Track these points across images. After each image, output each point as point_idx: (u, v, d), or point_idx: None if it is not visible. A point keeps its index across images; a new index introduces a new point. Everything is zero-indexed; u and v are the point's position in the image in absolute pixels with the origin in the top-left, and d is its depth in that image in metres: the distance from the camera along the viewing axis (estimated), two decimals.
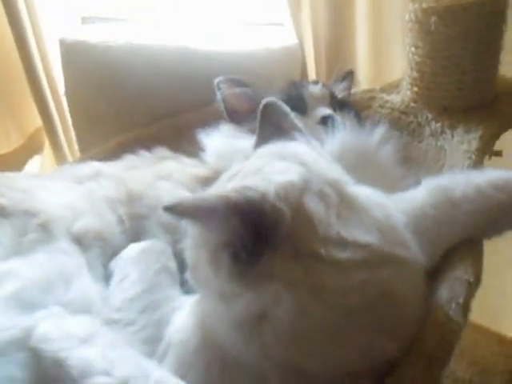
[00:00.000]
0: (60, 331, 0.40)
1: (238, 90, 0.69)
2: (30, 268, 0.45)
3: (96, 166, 0.64)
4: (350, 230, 0.38)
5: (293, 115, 0.49)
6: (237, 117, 0.70)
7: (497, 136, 0.62)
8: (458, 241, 0.46)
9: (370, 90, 0.79)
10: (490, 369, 1.02)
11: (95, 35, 0.94)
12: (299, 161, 0.42)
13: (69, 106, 1.00)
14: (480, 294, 0.43)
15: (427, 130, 0.67)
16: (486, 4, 0.61)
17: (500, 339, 1.07)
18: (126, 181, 0.60)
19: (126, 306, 0.44)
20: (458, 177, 0.49)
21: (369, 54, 1.00)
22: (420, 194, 0.48)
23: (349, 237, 0.37)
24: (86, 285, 0.46)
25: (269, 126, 0.49)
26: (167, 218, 0.53)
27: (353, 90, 0.79)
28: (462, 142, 0.61)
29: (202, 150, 0.67)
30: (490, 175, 0.48)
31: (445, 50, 0.64)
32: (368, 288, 0.36)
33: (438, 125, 0.66)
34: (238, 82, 0.71)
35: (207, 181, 0.54)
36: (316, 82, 0.70)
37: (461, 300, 0.41)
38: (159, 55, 0.87)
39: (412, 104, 0.71)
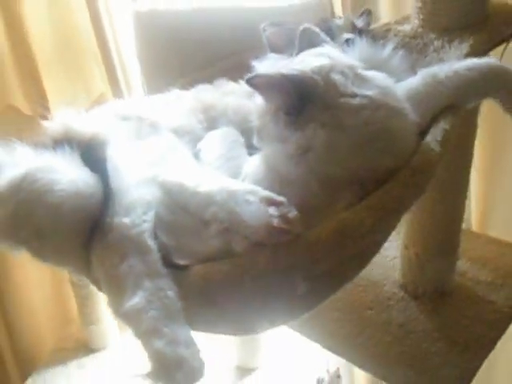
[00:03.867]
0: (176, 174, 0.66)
1: (277, 28, 0.93)
2: (150, 143, 0.72)
3: (177, 92, 0.90)
4: (359, 89, 0.62)
5: (323, 35, 0.73)
6: (278, 50, 0.94)
7: (487, 45, 0.83)
8: (443, 107, 0.69)
9: (386, 24, 1.01)
10: None
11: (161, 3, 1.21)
12: (328, 55, 0.66)
13: (141, 65, 1.27)
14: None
15: (431, 48, 0.89)
16: None
17: None
18: (201, 97, 0.86)
19: (213, 161, 0.70)
20: (444, 65, 0.72)
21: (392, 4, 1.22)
22: (415, 79, 0.71)
23: (357, 92, 0.62)
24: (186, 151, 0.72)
25: (306, 45, 0.73)
26: (234, 117, 0.80)
27: (372, 26, 1.01)
28: (456, 50, 0.83)
29: None
30: (466, 61, 0.70)
31: None
32: (370, 123, 0.60)
33: (440, 41, 0.87)
34: (278, 23, 0.95)
35: None
36: (340, 18, 0.93)
37: (439, 138, 0.63)
38: (214, 14, 1.12)
39: (419, 29, 0.92)
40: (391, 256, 1.25)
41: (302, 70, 0.62)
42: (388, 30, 0.99)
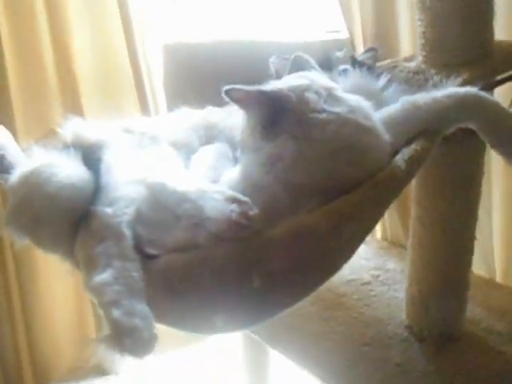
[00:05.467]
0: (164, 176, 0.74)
1: (285, 61, 1.02)
2: (147, 152, 0.82)
3: (187, 110, 1.01)
4: (329, 107, 0.69)
5: (313, 62, 0.82)
6: None
7: (482, 80, 0.87)
8: (420, 131, 0.74)
9: (394, 61, 1.08)
10: None
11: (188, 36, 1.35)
12: (308, 78, 0.74)
13: (165, 93, 1.40)
14: None
15: (430, 83, 0.95)
16: None
17: None
18: (207, 116, 0.96)
19: (201, 170, 0.78)
20: (427, 94, 0.77)
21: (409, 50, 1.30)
22: (396, 104, 0.77)
23: (327, 108, 0.68)
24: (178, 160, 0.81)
25: (296, 70, 0.81)
26: (229, 135, 0.88)
27: (381, 63, 1.09)
28: (451, 85, 0.88)
29: None
30: (447, 90, 0.76)
31: (440, 20, 0.92)
32: (336, 137, 0.67)
33: (438, 77, 0.93)
34: (286, 57, 1.04)
35: None
36: (341, 51, 1.02)
37: (406, 157, 0.69)
38: (235, 47, 1.25)
39: (422, 65, 0.99)
40: (401, 297, 1.26)
41: (280, 87, 0.71)
42: (395, 67, 1.06)
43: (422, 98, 0.76)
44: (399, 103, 0.78)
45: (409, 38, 1.33)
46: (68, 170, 0.71)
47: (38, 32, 1.41)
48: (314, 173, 0.66)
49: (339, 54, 1.00)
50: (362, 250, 1.54)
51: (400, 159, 0.68)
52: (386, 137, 0.71)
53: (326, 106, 0.69)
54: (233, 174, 0.74)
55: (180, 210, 0.66)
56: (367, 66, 0.98)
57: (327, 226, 0.62)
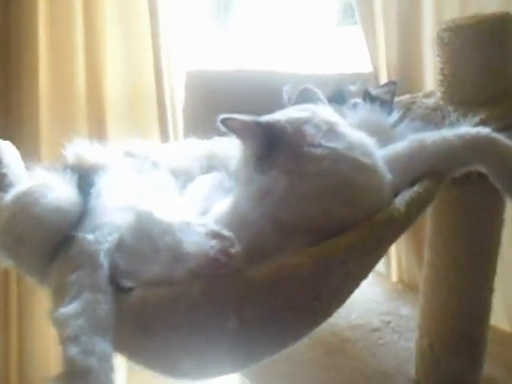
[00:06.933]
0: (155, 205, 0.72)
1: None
2: (145, 178, 0.80)
3: (195, 140, 1.00)
4: (326, 142, 0.65)
5: (321, 95, 0.79)
6: None
7: (499, 121, 0.83)
8: (426, 171, 0.69)
9: (413, 97, 1.05)
10: None
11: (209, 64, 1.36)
12: (311, 111, 0.71)
13: (184, 118, 1.41)
14: None
15: (447, 120, 0.90)
16: (492, 20, 0.86)
17: None
18: (211, 146, 0.94)
19: (194, 199, 0.76)
20: (436, 132, 0.73)
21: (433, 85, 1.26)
22: (403, 142, 0.73)
23: (324, 144, 0.65)
24: (172, 189, 0.79)
25: (302, 101, 0.78)
26: (228, 164, 0.86)
27: (399, 98, 1.05)
28: (467, 124, 0.84)
29: None
30: (457, 129, 0.71)
31: (459, 57, 0.89)
32: (331, 173, 0.63)
33: (455, 115, 0.89)
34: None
35: None
36: (355, 84, 0.99)
37: (407, 198, 0.64)
38: (254, 76, 1.24)
39: (440, 102, 0.95)
40: (412, 348, 1.18)
41: (277, 118, 0.68)
42: (413, 102, 1.02)
43: (431, 136, 0.72)
44: (406, 141, 0.74)
45: (433, 73, 1.29)
46: (58, 192, 0.70)
47: (74, 61, 1.46)
48: (304, 211, 0.63)
49: (353, 87, 0.97)
50: (374, 291, 1.46)
51: (400, 201, 0.64)
52: (388, 176, 0.67)
53: (323, 141, 0.66)
54: (223, 205, 0.71)
55: (161, 242, 0.64)
56: (380, 101, 0.95)
57: (313, 270, 0.58)
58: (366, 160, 0.65)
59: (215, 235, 0.60)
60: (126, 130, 1.56)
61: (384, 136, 0.82)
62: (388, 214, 0.63)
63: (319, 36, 1.68)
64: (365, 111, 0.85)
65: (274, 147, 0.66)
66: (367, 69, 1.36)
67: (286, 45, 1.68)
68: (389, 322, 1.31)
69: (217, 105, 1.25)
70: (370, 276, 1.55)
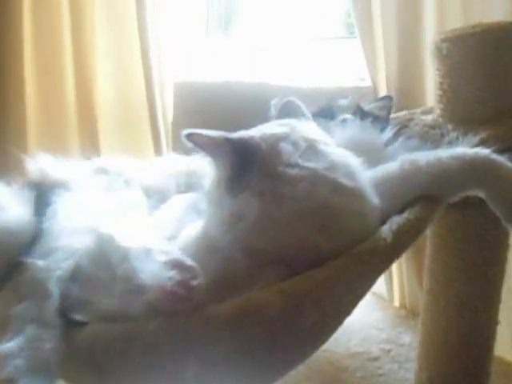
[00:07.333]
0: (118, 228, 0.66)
1: None
2: (115, 197, 0.74)
3: (175, 156, 0.94)
4: (304, 161, 0.59)
5: (305, 109, 0.72)
6: None
7: (501, 142, 0.76)
8: (419, 196, 0.63)
9: (411, 113, 0.98)
10: None
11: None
12: (289, 126, 0.65)
13: (172, 130, 1.36)
14: None
15: (446, 139, 0.83)
16: (495, 30, 0.79)
17: None
18: (191, 163, 0.88)
19: (165, 221, 0.69)
20: (430, 152, 0.66)
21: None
22: (395, 163, 0.66)
23: (301, 163, 0.58)
24: (143, 210, 0.73)
25: (284, 116, 0.72)
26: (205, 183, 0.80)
27: (397, 114, 0.99)
28: (467, 144, 0.77)
29: None
30: (453, 150, 0.64)
31: (459, 70, 0.82)
32: (308, 197, 0.56)
33: (455, 134, 0.82)
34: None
35: None
36: (346, 99, 0.92)
37: (394, 227, 0.57)
38: (241, 88, 1.18)
39: (439, 119, 0.88)
40: (412, 379, 1.10)
41: (251, 134, 0.61)
42: (411, 119, 0.96)
43: (425, 157, 0.65)
44: (398, 161, 0.67)
45: (435, 88, 1.22)
46: (9, 213, 0.65)
47: (62, 70, 1.42)
48: (278, 238, 0.56)
49: (344, 101, 0.90)
50: (375, 317, 1.39)
51: (387, 230, 0.57)
52: (375, 201, 0.60)
53: (300, 160, 0.59)
54: (193, 229, 0.65)
55: (120, 270, 0.57)
56: (373, 117, 0.88)
57: (283, 309, 0.51)
58: (348, 182, 0.59)
59: (175, 265, 0.54)
60: (119, 139, 1.51)
61: (375, 156, 0.75)
62: (372, 245, 0.56)
63: (319, 49, 1.62)
64: (354, 128, 0.78)
65: (246, 167, 0.60)
66: (366, 83, 1.29)
67: (286, 57, 1.63)
68: (389, 351, 1.25)
69: (205, 117, 1.20)
70: (372, 300, 1.50)
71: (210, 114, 1.21)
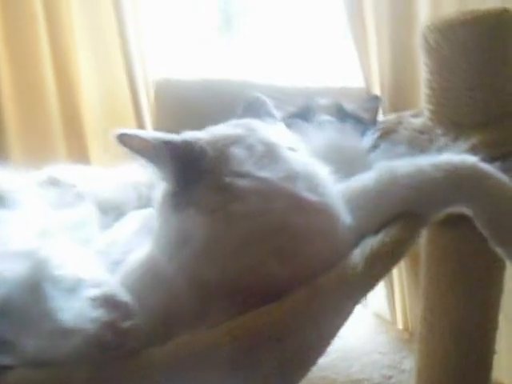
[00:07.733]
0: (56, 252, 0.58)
1: None
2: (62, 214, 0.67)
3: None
4: (257, 170, 0.50)
5: (271, 107, 0.64)
6: None
7: (493, 149, 0.67)
8: (397, 213, 0.54)
9: (399, 116, 0.89)
10: None
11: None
12: (247, 128, 0.56)
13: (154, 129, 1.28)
14: None
15: (435, 145, 0.75)
16: (488, 18, 0.70)
17: None
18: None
19: (116, 244, 0.62)
20: (411, 160, 0.58)
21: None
22: (371, 173, 0.58)
23: (252, 172, 0.49)
24: (93, 229, 0.65)
25: (248, 115, 0.64)
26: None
27: (385, 117, 0.90)
28: (457, 150, 0.68)
29: None
30: (436, 157, 0.56)
31: (449, 66, 0.73)
32: (262, 215, 0.47)
33: (444, 139, 0.73)
34: None
35: None
36: (326, 99, 0.84)
37: (366, 252, 0.49)
38: (223, 86, 1.11)
39: (429, 123, 0.79)
40: None
41: (199, 137, 0.53)
42: (399, 123, 0.87)
43: (404, 166, 0.56)
44: (374, 171, 0.58)
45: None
46: None
47: (42, 70, 1.34)
48: (226, 267, 0.48)
49: (323, 101, 0.82)
50: (378, 340, 1.33)
51: (357, 255, 0.49)
52: (346, 219, 0.52)
53: (253, 168, 0.50)
54: (141, 253, 0.57)
55: (52, 305, 0.49)
56: (356, 119, 0.80)
57: (234, 352, 0.43)
58: (310, 196, 0.50)
59: (105, 301, 0.46)
60: (105, 137, 1.44)
61: (355, 164, 0.67)
62: (339, 274, 0.47)
63: (315, 49, 1.55)
64: (332, 131, 0.70)
65: (191, 176, 0.51)
66: (357, 83, 1.20)
67: (283, 57, 1.56)
68: (390, 377, 1.19)
69: (187, 116, 1.12)
70: (374, 323, 1.42)
71: (191, 112, 1.14)
